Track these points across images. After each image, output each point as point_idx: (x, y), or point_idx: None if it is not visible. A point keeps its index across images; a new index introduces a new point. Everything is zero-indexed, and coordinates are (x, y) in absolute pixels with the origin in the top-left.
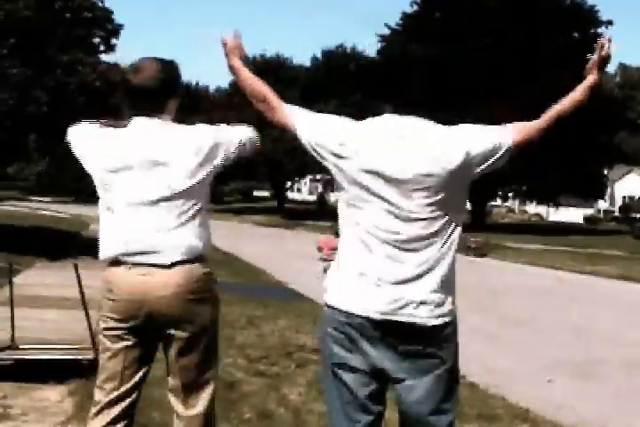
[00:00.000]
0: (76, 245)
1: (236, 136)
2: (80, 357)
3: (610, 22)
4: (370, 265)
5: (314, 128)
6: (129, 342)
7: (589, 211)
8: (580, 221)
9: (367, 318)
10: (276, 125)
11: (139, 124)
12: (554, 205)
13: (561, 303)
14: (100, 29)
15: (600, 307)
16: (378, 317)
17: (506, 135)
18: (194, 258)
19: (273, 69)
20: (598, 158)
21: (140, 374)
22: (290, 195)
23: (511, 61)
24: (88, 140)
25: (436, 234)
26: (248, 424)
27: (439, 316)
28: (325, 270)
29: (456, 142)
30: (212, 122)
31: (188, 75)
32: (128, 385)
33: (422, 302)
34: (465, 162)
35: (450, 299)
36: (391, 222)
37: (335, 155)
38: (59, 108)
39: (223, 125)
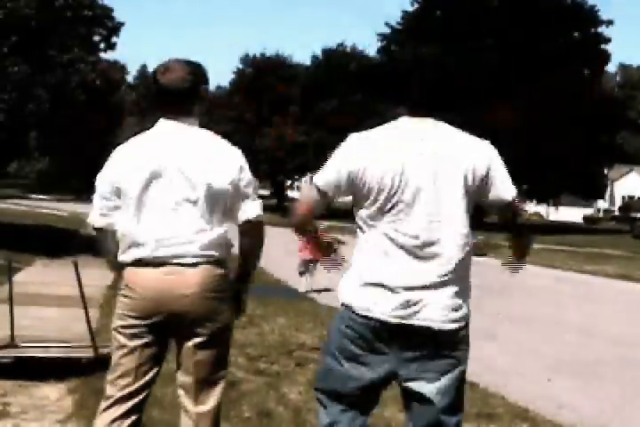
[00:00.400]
0: (75, 243)
1: (251, 191)
2: (79, 355)
3: (610, 22)
4: (387, 269)
5: (326, 177)
6: (145, 340)
7: (589, 210)
8: (580, 220)
9: (383, 322)
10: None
11: (166, 128)
12: (553, 204)
13: (560, 303)
14: (101, 27)
15: (599, 306)
16: (394, 321)
17: (512, 190)
18: (214, 260)
19: (273, 68)
20: (598, 158)
21: (154, 371)
22: (290, 193)
23: (512, 61)
24: (118, 172)
25: (452, 239)
26: (248, 423)
27: (454, 320)
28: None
29: (481, 152)
30: (212, 121)
31: None
32: (141, 382)
33: (438, 307)
34: (483, 175)
35: (465, 303)
36: (409, 226)
37: (356, 176)
38: (59, 106)
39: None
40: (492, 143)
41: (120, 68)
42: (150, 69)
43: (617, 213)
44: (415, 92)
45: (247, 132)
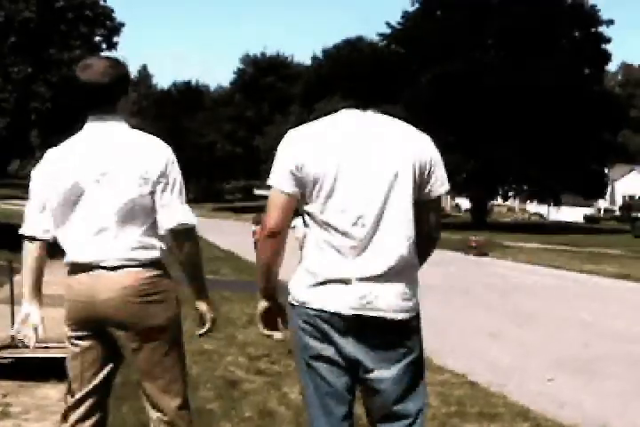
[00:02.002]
0: None
1: (176, 203)
2: None
3: (611, 22)
4: (336, 263)
5: (281, 178)
6: (85, 345)
7: (590, 210)
8: (581, 220)
9: (337, 314)
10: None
11: (91, 132)
12: (554, 204)
13: (561, 302)
14: (102, 27)
15: (600, 305)
16: (348, 312)
17: (446, 187)
18: (140, 263)
19: (274, 67)
20: (599, 157)
21: (103, 373)
22: None
23: (511, 61)
24: (44, 175)
25: (399, 231)
26: (249, 423)
27: (407, 310)
28: None
29: (424, 145)
30: (213, 119)
31: (190, 73)
32: (90, 386)
33: (390, 297)
34: (425, 168)
35: (415, 293)
36: (356, 219)
37: (300, 170)
38: (61, 104)
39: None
40: (494, 144)
41: None
42: (150, 69)
43: (618, 212)
44: (354, 85)
45: (248, 130)
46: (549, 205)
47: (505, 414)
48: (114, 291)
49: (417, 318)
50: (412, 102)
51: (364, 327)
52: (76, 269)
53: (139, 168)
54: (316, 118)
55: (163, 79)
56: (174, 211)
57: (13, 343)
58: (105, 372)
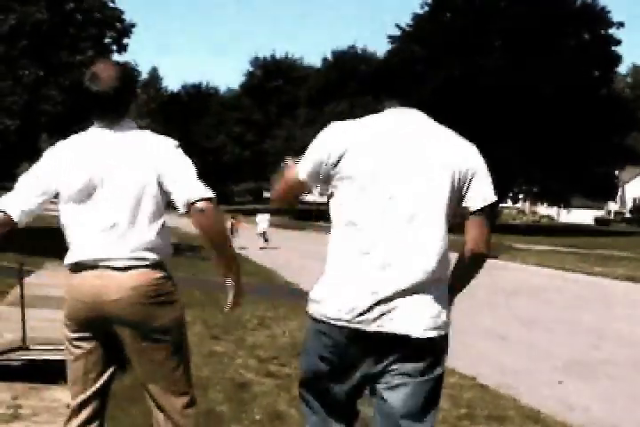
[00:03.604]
0: None
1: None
2: None
3: (621, 24)
4: (361, 273)
5: (307, 162)
6: (88, 346)
7: (600, 212)
8: (591, 222)
9: (359, 330)
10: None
11: (100, 132)
12: (564, 206)
13: (571, 304)
14: (112, 29)
15: (609, 308)
16: (370, 329)
17: (490, 197)
18: (149, 264)
19: (283, 70)
20: (609, 160)
21: (106, 375)
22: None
23: (520, 63)
24: (55, 171)
25: (431, 240)
26: (258, 425)
27: (434, 328)
28: None
29: (468, 154)
30: (221, 123)
31: (199, 75)
32: (93, 388)
33: (416, 314)
34: (466, 177)
35: (445, 310)
36: (385, 225)
37: (334, 164)
38: (72, 107)
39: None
40: (500, 146)
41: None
42: (161, 71)
43: (628, 214)
44: (397, 85)
45: (256, 134)
46: (559, 208)
47: (515, 416)
48: (123, 292)
49: (443, 338)
50: (417, 104)
51: (386, 344)
52: (84, 267)
53: (149, 164)
54: (327, 120)
55: (171, 79)
56: (191, 186)
57: (24, 345)
58: (107, 374)
